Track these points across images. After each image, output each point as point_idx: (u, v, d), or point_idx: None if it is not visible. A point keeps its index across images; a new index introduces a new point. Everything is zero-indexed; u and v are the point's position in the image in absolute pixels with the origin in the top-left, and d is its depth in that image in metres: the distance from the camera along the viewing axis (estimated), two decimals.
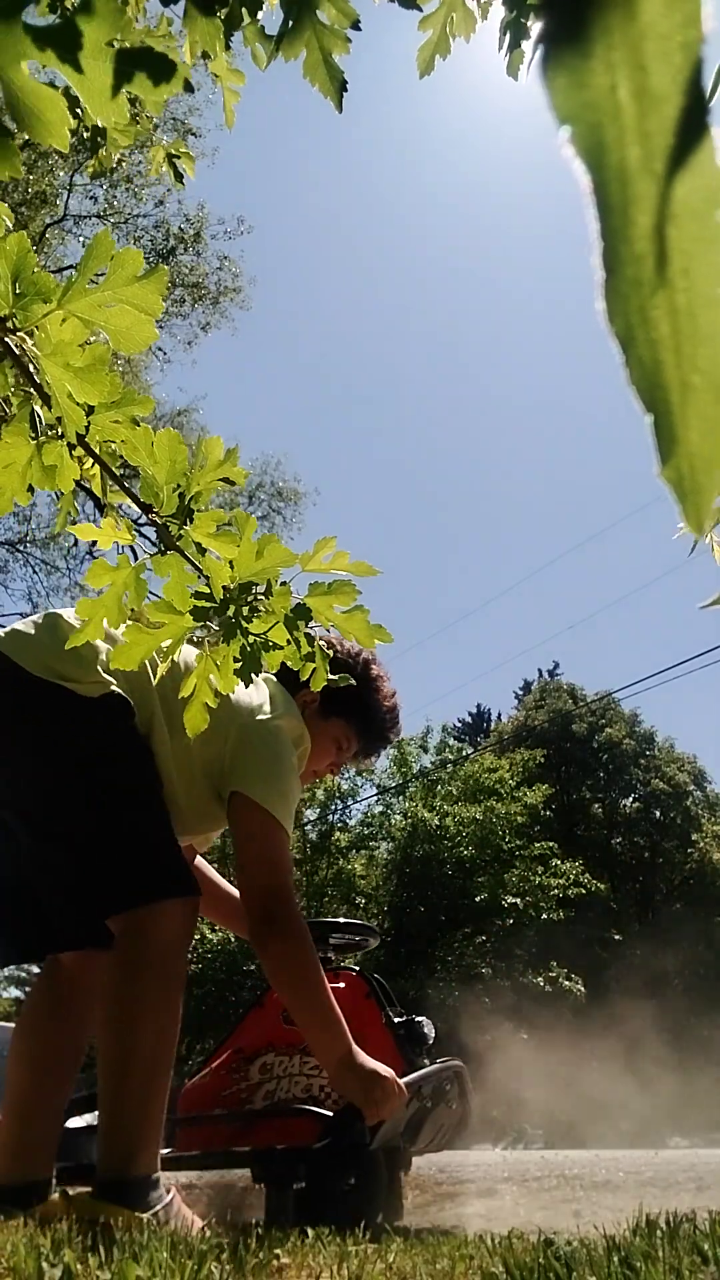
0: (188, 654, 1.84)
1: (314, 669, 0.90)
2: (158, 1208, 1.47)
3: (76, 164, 11.88)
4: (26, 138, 0.58)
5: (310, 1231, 1.28)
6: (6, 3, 0.48)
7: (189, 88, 0.51)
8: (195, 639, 0.90)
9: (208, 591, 0.82)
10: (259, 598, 0.84)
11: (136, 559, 0.82)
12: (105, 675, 1.70)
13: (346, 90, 0.99)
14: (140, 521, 0.94)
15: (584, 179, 0.24)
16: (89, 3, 0.49)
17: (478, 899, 18.74)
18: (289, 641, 0.87)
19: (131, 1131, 1.52)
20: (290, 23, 0.96)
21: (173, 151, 2.23)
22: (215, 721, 1.77)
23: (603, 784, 27.05)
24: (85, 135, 2.07)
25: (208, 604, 0.82)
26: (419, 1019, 2.13)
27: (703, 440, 0.23)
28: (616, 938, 22.43)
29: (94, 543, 0.86)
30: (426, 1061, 2.06)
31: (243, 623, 0.84)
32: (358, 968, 2.26)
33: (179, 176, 2.22)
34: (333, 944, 2.30)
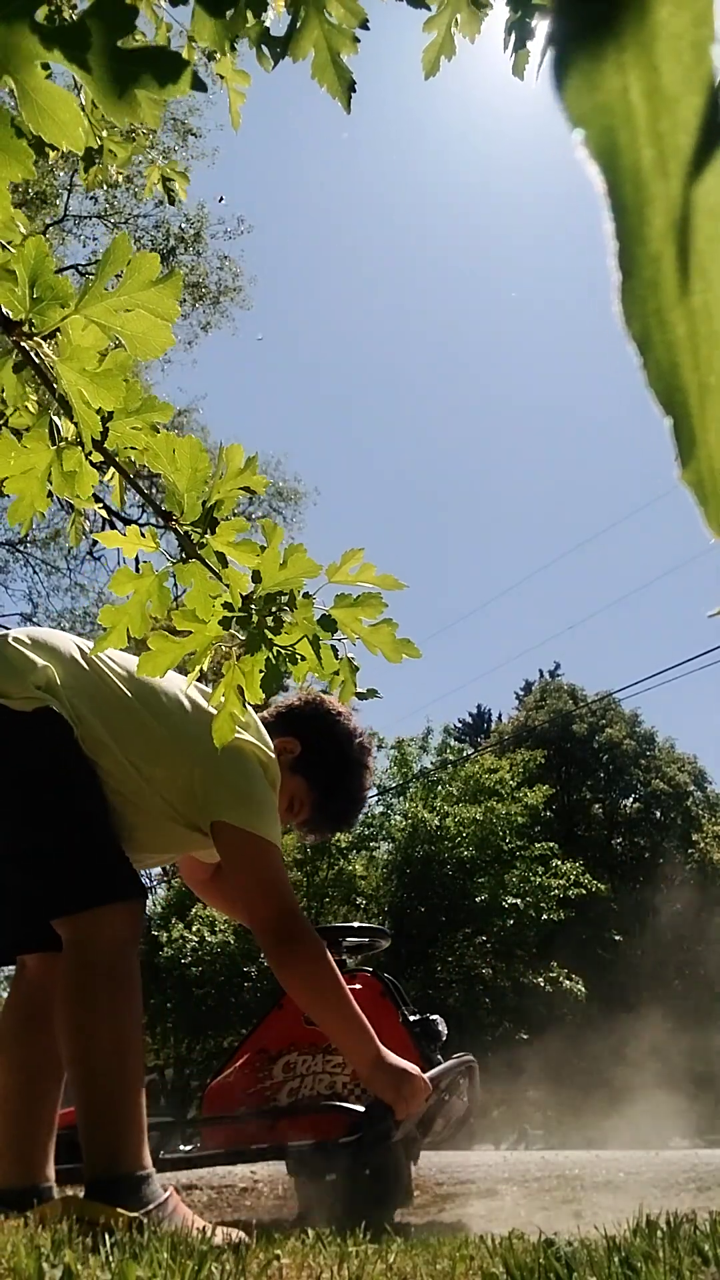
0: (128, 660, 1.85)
1: (343, 682, 0.89)
2: (151, 1205, 1.47)
3: (77, 164, 11.87)
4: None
5: (311, 1232, 1.28)
6: (17, 4, 0.48)
7: (200, 86, 0.51)
8: (221, 650, 0.89)
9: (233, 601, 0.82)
10: (284, 608, 0.83)
11: (152, 568, 0.82)
12: (39, 691, 1.69)
13: (355, 91, 0.99)
14: (141, 523, 0.93)
15: (598, 181, 0.24)
16: (99, 2, 0.49)
17: (478, 899, 18.72)
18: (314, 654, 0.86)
19: (109, 1132, 1.53)
20: (298, 23, 0.96)
21: (167, 173, 2.23)
22: (172, 744, 1.75)
23: (603, 784, 27.03)
24: (80, 153, 2.07)
25: (233, 614, 0.82)
26: (433, 1017, 2.18)
27: None
28: (617, 938, 22.42)
29: (95, 543, 0.86)
30: (440, 1057, 2.12)
31: (268, 634, 0.83)
32: (371, 969, 2.31)
33: (172, 199, 2.23)
34: (346, 947, 2.34)
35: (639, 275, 0.23)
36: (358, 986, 2.21)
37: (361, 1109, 1.94)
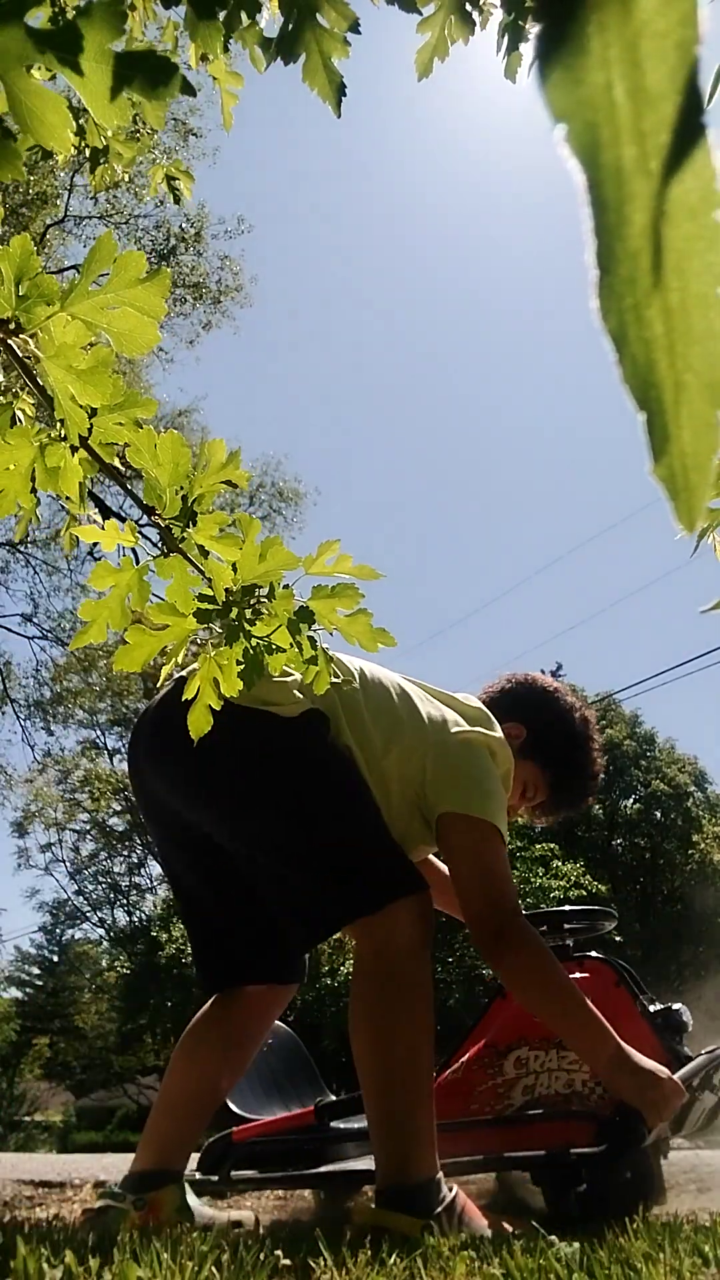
0: (380, 674, 1.85)
1: (317, 672, 0.90)
2: (438, 1209, 1.47)
3: (77, 164, 11.89)
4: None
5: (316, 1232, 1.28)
6: (9, 6, 0.49)
7: (190, 90, 0.51)
8: (198, 641, 0.89)
9: (211, 594, 0.82)
10: (262, 600, 0.84)
11: (138, 561, 0.82)
12: (300, 694, 1.70)
13: (345, 94, 1.00)
14: (142, 523, 0.94)
15: (579, 177, 0.24)
16: (90, 6, 0.50)
17: None
18: (292, 645, 0.87)
19: (401, 1140, 1.53)
20: (290, 26, 0.97)
21: (171, 172, 2.25)
22: (405, 737, 1.74)
23: (603, 785, 27.00)
24: (85, 154, 2.08)
25: (210, 606, 0.82)
26: (676, 1006, 1.98)
27: (695, 439, 0.23)
28: (617, 939, 22.41)
29: (96, 543, 0.85)
30: (688, 1051, 1.93)
31: (245, 625, 0.83)
32: (600, 954, 2.08)
33: (177, 198, 2.24)
34: (568, 930, 2.16)
35: (617, 272, 0.23)
36: (586, 975, 2.01)
37: (609, 1117, 1.74)
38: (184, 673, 1.76)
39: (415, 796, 1.75)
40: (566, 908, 2.18)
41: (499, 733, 1.84)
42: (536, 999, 1.68)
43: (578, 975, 1.99)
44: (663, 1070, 1.62)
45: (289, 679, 1.70)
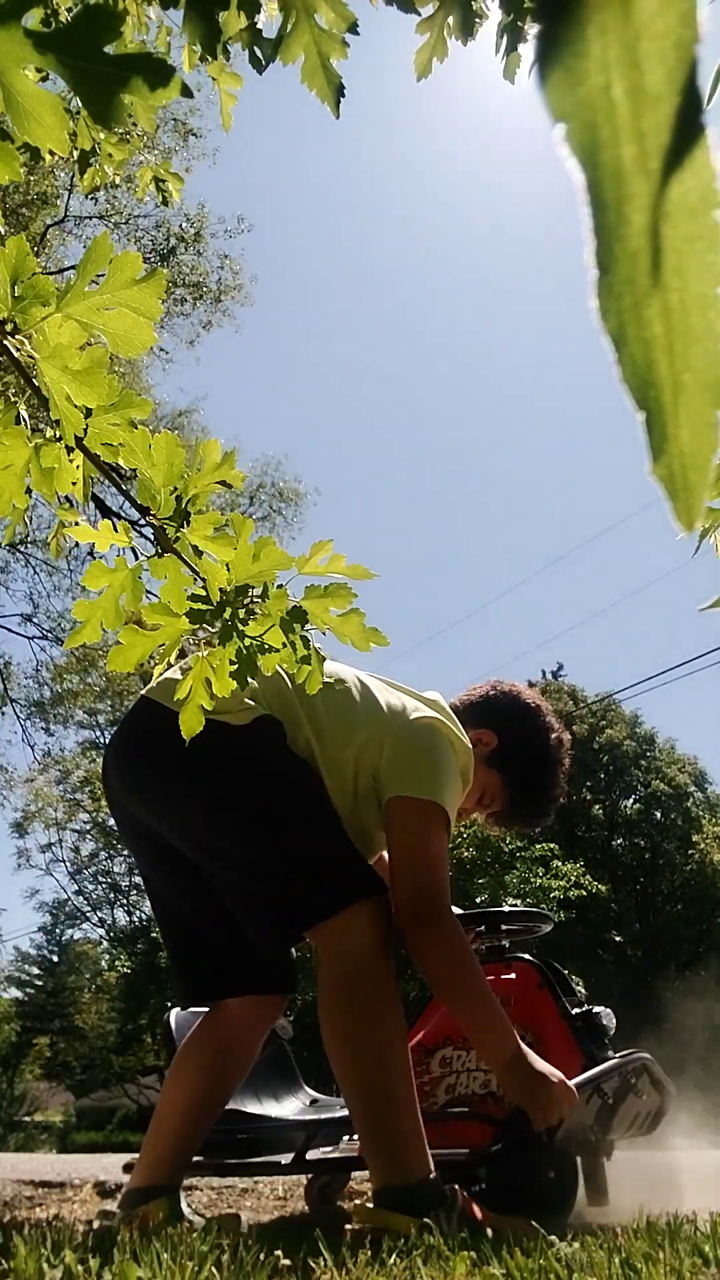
0: (338, 670, 1.84)
1: (310, 671, 0.90)
2: (437, 1209, 1.47)
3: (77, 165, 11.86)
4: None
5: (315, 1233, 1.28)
6: (7, 7, 0.49)
7: (188, 93, 0.51)
8: (193, 641, 0.89)
9: (204, 594, 0.82)
10: (255, 600, 0.84)
11: (134, 561, 0.82)
12: (251, 702, 1.69)
13: (344, 95, 1.00)
14: (137, 523, 0.93)
15: (578, 177, 0.24)
16: (87, 8, 0.50)
17: (478, 900, 18.72)
18: (285, 644, 0.87)
19: (387, 1141, 1.54)
20: (288, 26, 0.97)
21: (159, 174, 2.24)
22: (369, 726, 1.74)
23: (603, 785, 27.02)
24: (75, 155, 2.07)
25: (204, 606, 0.82)
26: (598, 1010, 1.99)
27: (694, 438, 0.23)
28: (617, 939, 22.42)
29: (94, 544, 0.85)
30: (611, 1054, 1.94)
31: (239, 625, 0.84)
32: (529, 956, 2.12)
33: (165, 200, 2.24)
34: (505, 931, 2.19)
35: (616, 271, 0.23)
36: (512, 975, 2.04)
37: (501, 1118, 1.78)
38: (151, 686, 1.77)
39: (376, 784, 1.75)
40: (505, 908, 2.21)
41: (463, 732, 1.84)
42: (446, 989, 1.69)
43: (505, 976, 2.02)
44: (556, 1074, 1.62)
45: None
